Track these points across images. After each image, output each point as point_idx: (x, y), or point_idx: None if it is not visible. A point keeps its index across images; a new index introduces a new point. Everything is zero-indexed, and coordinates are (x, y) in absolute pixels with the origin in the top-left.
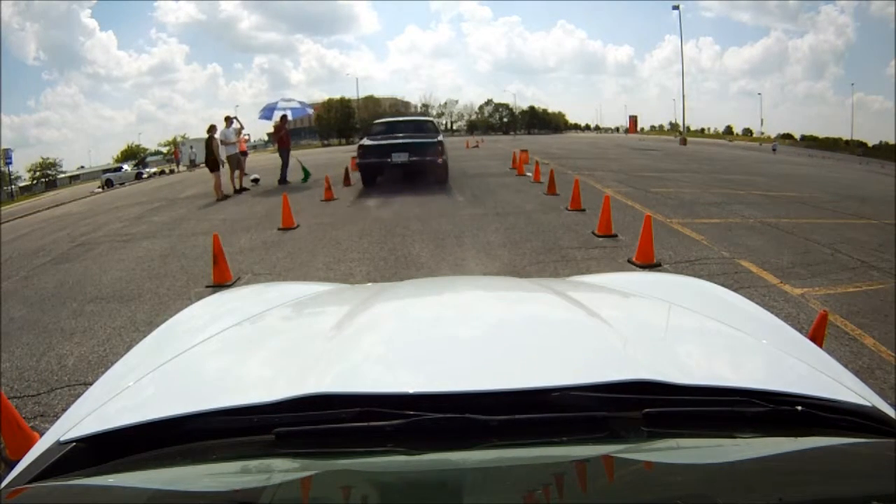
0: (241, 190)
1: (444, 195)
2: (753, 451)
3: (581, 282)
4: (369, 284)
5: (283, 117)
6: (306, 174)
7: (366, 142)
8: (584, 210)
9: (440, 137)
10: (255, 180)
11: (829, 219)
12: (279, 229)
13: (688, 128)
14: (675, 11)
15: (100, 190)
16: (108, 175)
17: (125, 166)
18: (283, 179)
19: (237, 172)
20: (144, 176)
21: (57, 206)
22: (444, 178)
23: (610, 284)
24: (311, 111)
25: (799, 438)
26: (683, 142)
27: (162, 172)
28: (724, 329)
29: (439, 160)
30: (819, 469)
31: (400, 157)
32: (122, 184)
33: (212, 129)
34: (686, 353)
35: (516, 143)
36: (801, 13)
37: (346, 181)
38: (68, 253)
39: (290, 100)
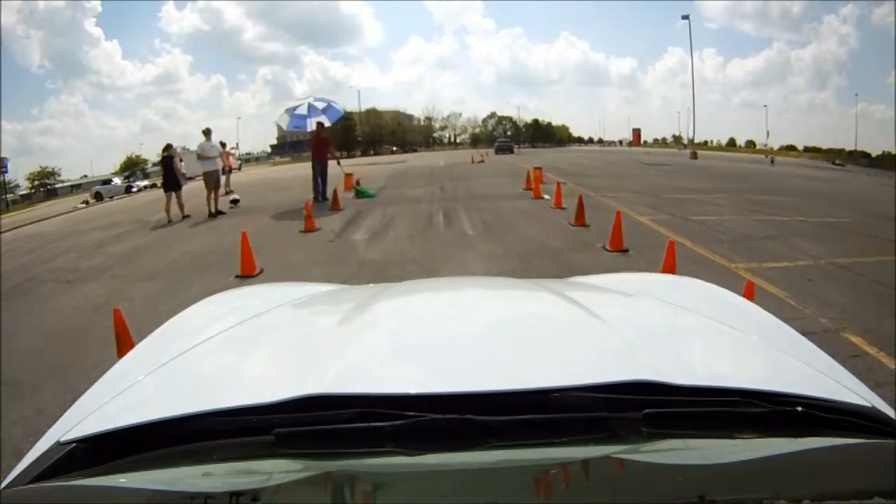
0: (217, 213)
1: (450, 226)
2: (753, 451)
3: (581, 282)
4: (370, 285)
5: (320, 125)
6: (362, 192)
7: (496, 144)
8: (626, 251)
9: (511, 144)
10: (235, 201)
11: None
12: (237, 277)
13: (691, 140)
14: (682, 22)
15: (83, 205)
16: (98, 188)
17: (116, 179)
18: (317, 196)
19: (213, 193)
20: (134, 190)
21: (33, 223)
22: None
23: (610, 284)
24: (342, 111)
25: (799, 438)
26: (694, 155)
27: (154, 186)
28: (724, 329)
29: (512, 148)
30: (819, 469)
31: (501, 146)
32: (111, 197)
33: (169, 147)
34: (686, 354)
35: (522, 158)
36: (804, 23)
37: (335, 205)
38: None
39: (319, 99)
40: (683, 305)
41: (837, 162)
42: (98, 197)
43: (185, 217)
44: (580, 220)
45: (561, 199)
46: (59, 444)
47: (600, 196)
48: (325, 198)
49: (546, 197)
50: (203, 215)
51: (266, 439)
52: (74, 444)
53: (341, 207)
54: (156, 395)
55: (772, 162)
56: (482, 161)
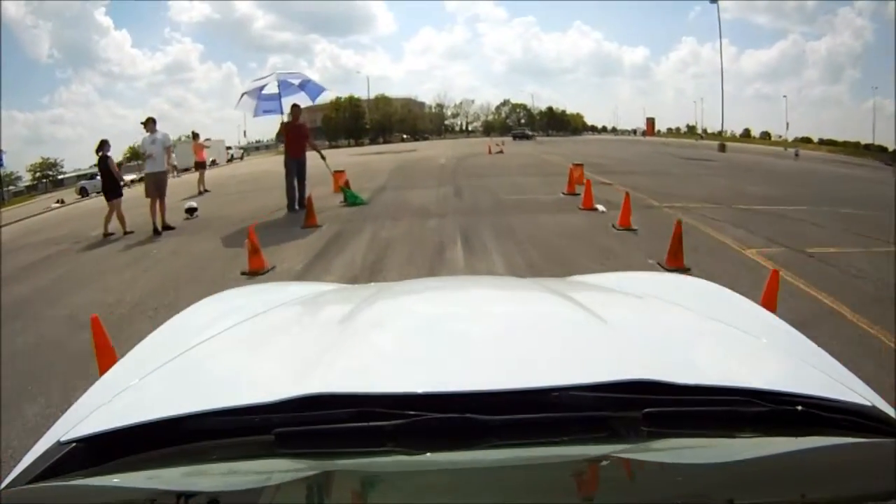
0: (165, 228)
1: (473, 263)
2: (753, 451)
3: (581, 282)
4: (370, 284)
5: (295, 108)
6: (352, 198)
7: (514, 132)
8: None
9: (529, 132)
10: (191, 210)
11: None
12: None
13: (704, 130)
14: (695, 12)
15: (56, 205)
16: (83, 183)
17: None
18: (293, 204)
19: (158, 203)
20: (121, 184)
21: None
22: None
23: (610, 284)
24: (326, 90)
25: (799, 438)
26: (722, 148)
27: (141, 180)
28: (725, 329)
29: (530, 136)
30: (819, 469)
31: (518, 134)
32: (98, 193)
33: (104, 145)
34: (686, 353)
35: (541, 148)
36: (819, 15)
37: (310, 220)
38: None
39: (292, 74)
40: (684, 304)
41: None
42: (83, 192)
43: (126, 233)
44: (676, 259)
45: (630, 217)
46: (59, 444)
47: (665, 206)
48: (301, 205)
49: (600, 208)
50: (149, 229)
51: (266, 439)
52: (74, 444)
53: (318, 224)
54: (156, 395)
55: (796, 155)
56: (500, 151)
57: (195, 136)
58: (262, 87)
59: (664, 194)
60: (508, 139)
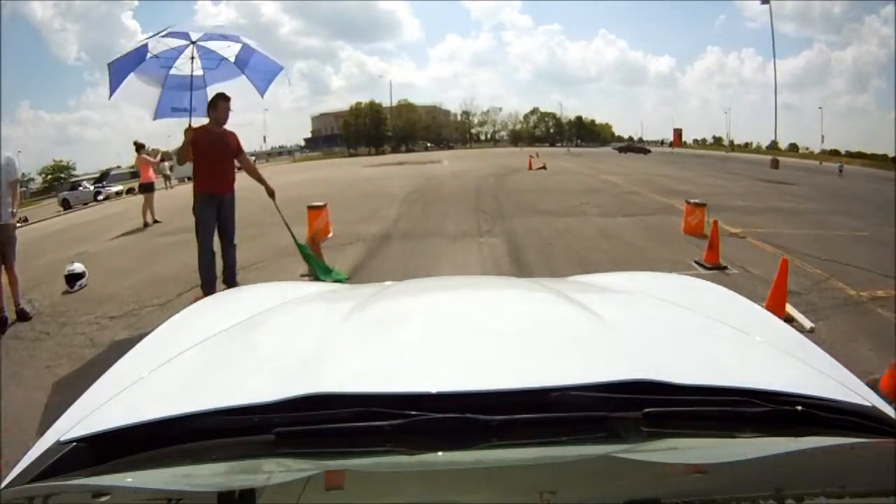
0: (20, 317)
1: None
2: (753, 451)
3: (581, 282)
4: (370, 284)
5: (219, 100)
6: (322, 273)
7: (617, 146)
8: None
9: (628, 144)
10: (73, 277)
11: None
12: None
13: (731, 142)
14: (721, 21)
15: (20, 224)
16: (65, 194)
17: (86, 183)
18: (212, 283)
19: (6, 274)
20: (101, 197)
21: None
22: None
23: (610, 284)
24: (283, 69)
25: (799, 438)
26: (775, 164)
27: (130, 191)
28: (724, 329)
29: (647, 150)
30: (819, 469)
31: (627, 146)
32: (86, 204)
33: None
34: (686, 353)
35: (588, 163)
36: (845, 24)
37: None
38: None
39: (219, 38)
40: (684, 305)
41: None
42: (65, 205)
43: None
44: None
45: None
46: (59, 444)
47: (866, 296)
48: (229, 283)
49: (802, 322)
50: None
51: (266, 438)
52: (74, 444)
53: None
54: (156, 395)
55: (840, 171)
56: (543, 167)
57: (139, 147)
58: (170, 64)
59: (829, 262)
60: (543, 150)
